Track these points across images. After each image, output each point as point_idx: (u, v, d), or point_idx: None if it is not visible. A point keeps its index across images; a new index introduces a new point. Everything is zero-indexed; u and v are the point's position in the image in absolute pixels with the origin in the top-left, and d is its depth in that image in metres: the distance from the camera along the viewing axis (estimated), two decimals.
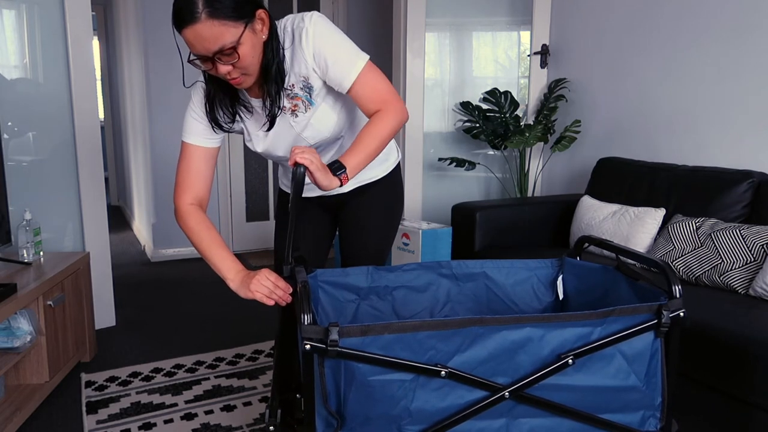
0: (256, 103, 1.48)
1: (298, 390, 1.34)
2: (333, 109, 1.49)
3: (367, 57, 1.43)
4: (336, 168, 1.29)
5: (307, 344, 0.99)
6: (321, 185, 1.25)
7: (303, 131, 1.49)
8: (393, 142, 1.74)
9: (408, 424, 1.06)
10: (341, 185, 1.29)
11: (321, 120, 1.47)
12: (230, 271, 1.42)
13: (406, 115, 1.45)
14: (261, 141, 1.53)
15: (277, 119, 1.47)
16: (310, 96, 1.45)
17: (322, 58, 1.38)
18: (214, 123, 1.46)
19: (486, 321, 1.06)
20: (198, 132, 1.49)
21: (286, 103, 1.45)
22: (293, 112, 1.46)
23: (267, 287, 1.31)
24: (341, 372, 1.02)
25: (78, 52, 2.78)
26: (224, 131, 1.50)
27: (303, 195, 1.68)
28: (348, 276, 1.37)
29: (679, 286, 1.16)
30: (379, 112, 1.40)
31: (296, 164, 1.23)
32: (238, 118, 1.50)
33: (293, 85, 1.43)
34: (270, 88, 1.39)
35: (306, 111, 1.46)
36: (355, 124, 1.59)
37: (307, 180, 1.60)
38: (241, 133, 1.57)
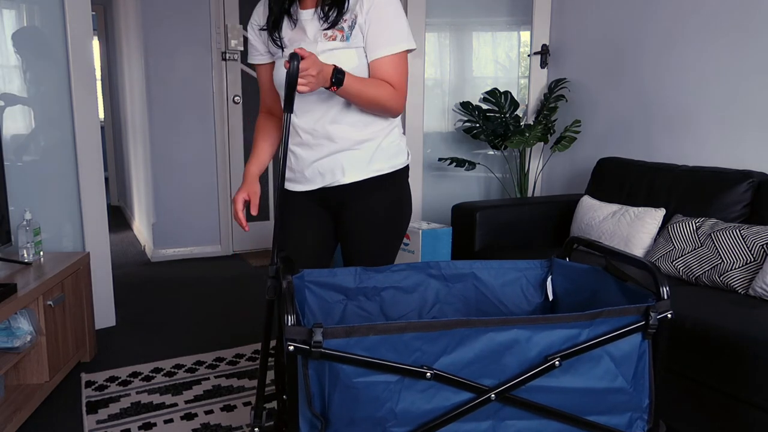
0: (305, 15, 1.55)
1: (284, 392, 1.34)
2: (359, 57, 1.54)
3: (414, 47, 1.57)
4: (336, 73, 1.41)
5: (290, 345, 0.99)
6: (311, 80, 1.35)
7: (321, 55, 1.52)
8: (404, 144, 1.73)
9: (393, 426, 1.05)
10: (328, 87, 1.41)
11: (343, 58, 1.51)
12: (246, 170, 1.71)
13: (401, 109, 1.59)
14: (281, 67, 1.59)
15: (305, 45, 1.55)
16: (351, 33, 1.52)
17: (374, 16, 1.50)
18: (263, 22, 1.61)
19: (472, 323, 1.05)
20: (256, 51, 1.68)
21: (329, 30, 1.53)
22: (330, 39, 1.54)
23: (235, 210, 1.64)
24: (325, 373, 1.02)
25: (78, 52, 2.79)
26: (266, 31, 1.61)
27: (304, 189, 1.67)
28: (335, 276, 1.36)
29: (667, 288, 1.15)
30: (387, 84, 1.53)
31: (292, 56, 1.31)
32: (277, 34, 1.59)
33: (345, 19, 1.52)
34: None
35: (339, 42, 1.53)
36: None
37: (308, 174, 1.64)
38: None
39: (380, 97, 1.51)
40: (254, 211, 1.66)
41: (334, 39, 1.53)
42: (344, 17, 1.52)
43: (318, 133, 1.60)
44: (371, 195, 1.64)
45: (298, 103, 1.58)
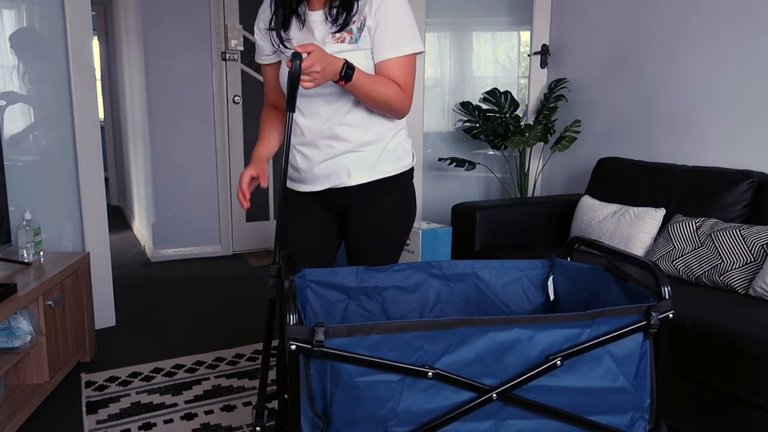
0: (314, 17, 1.55)
1: (286, 392, 1.34)
2: (367, 59, 1.54)
3: (422, 50, 1.57)
4: (346, 68, 1.40)
5: (292, 345, 0.99)
6: (315, 76, 1.35)
7: None
8: (410, 146, 1.72)
9: (395, 426, 1.05)
10: (337, 81, 1.41)
11: (352, 60, 1.49)
12: (253, 154, 1.66)
13: (407, 110, 1.58)
14: (286, 66, 1.58)
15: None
16: (360, 35, 1.52)
17: (383, 18, 1.49)
18: (274, 23, 1.58)
19: (474, 322, 1.05)
20: (262, 51, 1.67)
21: (337, 33, 1.53)
22: (339, 41, 1.54)
23: (240, 184, 1.55)
24: (327, 373, 1.02)
25: (78, 52, 2.79)
26: (274, 30, 1.59)
27: (309, 189, 1.67)
28: (337, 276, 1.36)
29: (668, 287, 1.15)
30: (395, 84, 1.53)
31: (294, 56, 1.30)
32: (284, 34, 1.59)
33: (354, 21, 1.52)
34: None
35: (348, 44, 1.53)
36: None
37: (314, 175, 1.62)
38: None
39: (387, 96, 1.51)
40: (264, 184, 1.57)
41: (343, 41, 1.53)
42: (353, 19, 1.52)
43: (324, 134, 1.59)
44: (377, 197, 1.64)
45: (306, 103, 1.58)
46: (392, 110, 1.56)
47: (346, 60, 1.41)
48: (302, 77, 1.34)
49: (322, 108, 1.57)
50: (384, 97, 1.51)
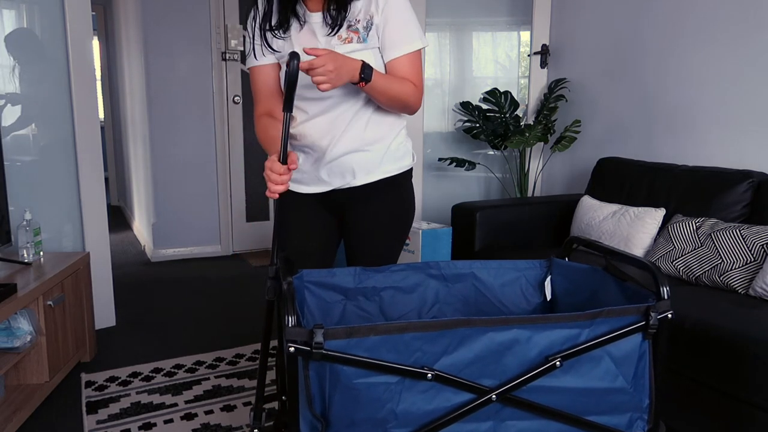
0: (314, 17, 1.53)
1: (284, 392, 1.34)
2: (376, 58, 1.54)
3: (427, 44, 1.60)
4: (365, 68, 1.40)
5: (291, 347, 0.99)
6: (331, 76, 1.33)
7: None
8: (410, 145, 1.72)
9: (394, 427, 1.05)
10: (357, 83, 1.41)
11: (362, 59, 1.48)
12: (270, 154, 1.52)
13: (419, 105, 1.60)
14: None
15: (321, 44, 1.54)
16: (368, 34, 1.52)
17: (390, 15, 1.50)
18: (267, 22, 1.55)
19: (473, 322, 1.05)
20: (258, 52, 1.61)
21: (344, 33, 1.52)
22: (346, 41, 1.53)
23: (270, 182, 1.39)
24: (326, 375, 1.02)
25: (78, 52, 2.79)
26: (271, 31, 1.57)
27: (312, 191, 1.66)
28: (335, 277, 1.36)
29: (667, 288, 1.15)
30: (408, 81, 1.54)
31: (291, 56, 1.29)
32: (283, 34, 1.56)
33: (358, 20, 1.51)
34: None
35: (357, 44, 1.52)
36: None
37: (318, 176, 1.61)
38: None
39: (403, 94, 1.52)
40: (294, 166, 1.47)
41: (351, 41, 1.52)
42: (357, 18, 1.51)
43: (330, 135, 1.58)
44: (376, 197, 1.64)
45: (311, 105, 1.57)
46: (407, 107, 1.57)
47: (363, 61, 1.41)
48: (318, 78, 1.33)
49: (329, 109, 1.57)
50: (401, 96, 1.52)
